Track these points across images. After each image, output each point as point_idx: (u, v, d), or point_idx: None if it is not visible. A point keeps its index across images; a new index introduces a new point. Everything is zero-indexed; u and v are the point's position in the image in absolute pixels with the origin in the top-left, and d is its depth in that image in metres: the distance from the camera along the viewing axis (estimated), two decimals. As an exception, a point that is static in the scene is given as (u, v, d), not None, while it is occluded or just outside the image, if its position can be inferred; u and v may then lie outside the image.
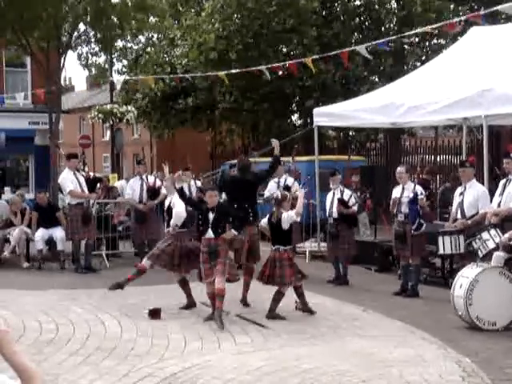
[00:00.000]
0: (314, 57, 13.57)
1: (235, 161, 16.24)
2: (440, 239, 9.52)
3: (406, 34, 13.25)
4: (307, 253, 13.66)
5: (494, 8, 9.74)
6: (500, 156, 11.79)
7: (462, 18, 11.62)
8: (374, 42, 12.62)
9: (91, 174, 13.30)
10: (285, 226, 8.56)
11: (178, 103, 25.79)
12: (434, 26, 12.13)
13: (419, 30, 11.27)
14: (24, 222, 13.29)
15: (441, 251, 9.70)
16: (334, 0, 24.76)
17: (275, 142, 9.72)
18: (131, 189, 13.33)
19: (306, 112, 25.42)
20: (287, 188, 12.38)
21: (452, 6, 24.35)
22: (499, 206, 9.29)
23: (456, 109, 10.61)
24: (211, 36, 23.22)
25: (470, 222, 9.58)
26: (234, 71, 15.54)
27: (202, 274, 8.56)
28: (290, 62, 13.53)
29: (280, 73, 12.68)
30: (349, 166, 15.06)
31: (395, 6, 24.40)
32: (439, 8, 22.96)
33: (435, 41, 24.52)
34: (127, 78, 20.64)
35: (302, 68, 17.10)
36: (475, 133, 13.88)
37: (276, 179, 12.58)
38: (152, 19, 23.58)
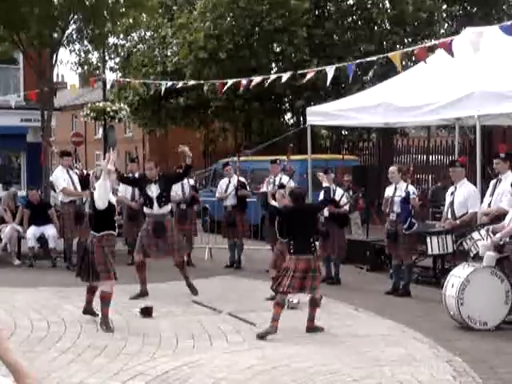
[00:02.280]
0: (281, 74, 13.47)
1: (227, 159, 16.29)
2: (428, 239, 9.57)
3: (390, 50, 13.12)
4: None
5: (449, 39, 9.75)
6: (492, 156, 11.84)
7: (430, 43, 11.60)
8: (341, 64, 12.55)
9: (85, 171, 13.23)
10: None
11: (169, 102, 25.76)
12: (410, 49, 11.98)
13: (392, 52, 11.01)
14: (16, 219, 13.26)
15: (429, 251, 9.75)
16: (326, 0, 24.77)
17: (184, 148, 9.77)
18: (124, 186, 13.29)
19: (297, 111, 25.46)
20: (282, 186, 12.38)
21: (444, 7, 24.43)
22: (489, 206, 9.34)
23: (448, 109, 10.62)
24: (200, 35, 23.20)
25: (458, 221, 9.62)
26: (213, 81, 15.49)
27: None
28: (262, 77, 13.49)
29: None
30: (341, 166, 15.08)
31: (387, 5, 24.41)
32: (430, 8, 22.99)
33: (427, 41, 24.57)
34: (115, 79, 20.55)
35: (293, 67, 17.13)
36: (468, 133, 13.92)
37: (272, 177, 12.59)
38: (143, 17, 23.54)
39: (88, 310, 8.32)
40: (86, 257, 8.04)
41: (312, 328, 7.82)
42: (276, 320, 7.55)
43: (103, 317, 7.90)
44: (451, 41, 9.75)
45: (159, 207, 9.77)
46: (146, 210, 10.06)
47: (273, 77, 13.27)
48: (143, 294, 9.67)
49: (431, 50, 10.82)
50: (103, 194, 7.86)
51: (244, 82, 13.10)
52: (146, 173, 10.36)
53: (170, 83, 14.79)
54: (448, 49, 9.62)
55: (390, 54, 10.82)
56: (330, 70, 11.51)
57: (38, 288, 10.40)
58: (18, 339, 7.25)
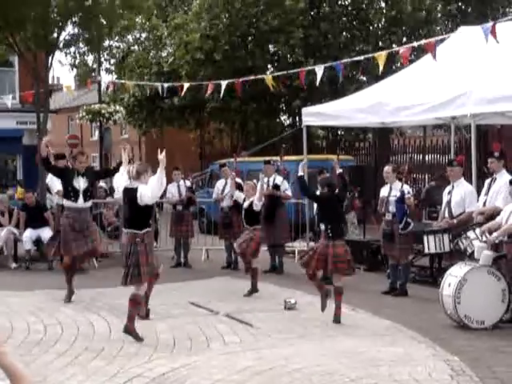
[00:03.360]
0: (274, 74, 13.47)
1: (224, 160, 16.29)
2: (425, 238, 9.57)
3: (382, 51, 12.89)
4: (296, 252, 13.67)
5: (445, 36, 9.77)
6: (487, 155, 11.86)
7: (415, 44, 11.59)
8: (330, 64, 12.55)
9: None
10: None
11: (164, 102, 25.76)
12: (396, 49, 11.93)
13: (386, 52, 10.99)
14: (12, 222, 13.23)
15: (426, 250, 9.76)
16: (321, 0, 24.78)
17: (125, 146, 9.00)
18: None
19: (293, 111, 25.46)
20: (276, 187, 12.41)
21: (440, 6, 24.44)
22: (485, 205, 9.34)
23: (443, 108, 10.64)
24: (196, 36, 23.21)
25: (455, 221, 9.63)
26: (196, 83, 15.52)
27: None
28: (253, 77, 13.48)
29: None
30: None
31: (384, 5, 24.44)
32: (429, 7, 23.02)
33: (423, 40, 24.59)
34: (110, 81, 20.55)
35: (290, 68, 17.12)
36: (463, 132, 13.93)
37: (266, 178, 12.61)
38: (139, 19, 23.55)
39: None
40: (132, 258, 7.44)
41: (339, 315, 8.19)
42: (321, 287, 8.57)
43: (130, 323, 7.42)
44: (436, 42, 9.78)
45: (84, 201, 9.48)
46: (66, 202, 9.60)
47: (266, 76, 13.25)
48: (70, 295, 9.47)
49: (417, 50, 10.80)
50: (158, 189, 7.39)
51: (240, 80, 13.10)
52: (74, 164, 9.89)
53: (166, 85, 14.77)
54: (432, 50, 9.64)
55: (376, 54, 10.83)
56: (319, 70, 11.51)
57: (34, 291, 10.38)
58: (15, 342, 7.23)
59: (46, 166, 9.90)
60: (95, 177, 9.88)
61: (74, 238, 9.42)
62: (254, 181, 11.20)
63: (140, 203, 7.41)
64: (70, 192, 9.55)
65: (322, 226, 8.46)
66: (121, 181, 7.96)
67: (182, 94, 14.33)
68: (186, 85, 14.19)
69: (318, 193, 8.95)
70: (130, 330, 7.38)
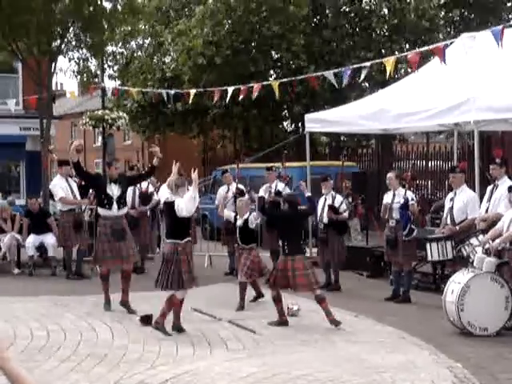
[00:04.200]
0: (282, 81, 13.44)
1: (227, 167, 16.30)
2: (428, 246, 9.57)
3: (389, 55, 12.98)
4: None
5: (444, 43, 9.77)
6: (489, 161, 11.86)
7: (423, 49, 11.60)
8: (339, 69, 12.55)
9: (83, 179, 13.24)
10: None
11: (167, 108, 25.79)
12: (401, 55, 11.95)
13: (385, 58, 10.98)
14: (15, 228, 13.24)
15: (429, 258, 9.75)
16: (324, 6, 24.81)
17: (154, 149, 9.48)
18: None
19: (295, 118, 25.47)
20: (278, 193, 12.41)
21: (443, 13, 24.47)
22: (487, 211, 9.34)
23: (446, 114, 10.64)
24: (199, 41, 23.25)
25: (457, 228, 9.62)
26: (202, 90, 15.49)
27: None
28: (257, 84, 13.45)
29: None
30: (341, 172, 15.08)
31: (386, 13, 24.45)
32: (432, 16, 23.02)
33: (432, 45, 24.61)
34: (114, 87, 20.59)
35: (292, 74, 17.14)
36: (466, 139, 13.93)
37: (267, 185, 12.62)
38: (142, 24, 23.58)
39: (177, 326, 8.16)
40: (170, 265, 7.97)
41: (334, 320, 8.26)
42: (282, 314, 8.43)
43: (161, 319, 8.00)
44: (444, 46, 9.77)
45: (118, 208, 9.31)
46: (101, 210, 9.50)
47: (273, 82, 13.24)
48: (109, 302, 9.38)
49: (425, 55, 10.80)
50: (192, 204, 7.93)
51: (242, 87, 13.11)
52: (108, 171, 9.73)
53: (172, 92, 14.78)
54: (441, 54, 9.64)
55: (384, 60, 10.83)
56: (329, 75, 11.50)
57: (37, 297, 10.38)
58: (18, 348, 7.23)
59: (78, 171, 9.70)
60: (128, 183, 9.66)
61: (109, 249, 9.28)
62: (247, 196, 11.00)
63: (178, 215, 7.94)
64: (103, 200, 9.38)
65: (280, 243, 8.67)
66: (164, 193, 8.45)
67: (190, 101, 14.33)
68: (193, 91, 14.21)
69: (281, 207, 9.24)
70: (159, 324, 7.95)
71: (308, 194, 9.20)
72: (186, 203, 7.84)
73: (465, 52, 9.16)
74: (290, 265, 8.34)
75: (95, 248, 9.62)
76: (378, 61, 11.54)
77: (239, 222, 9.85)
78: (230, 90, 13.05)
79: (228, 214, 11.02)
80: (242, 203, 10.06)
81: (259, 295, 9.85)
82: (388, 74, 10.40)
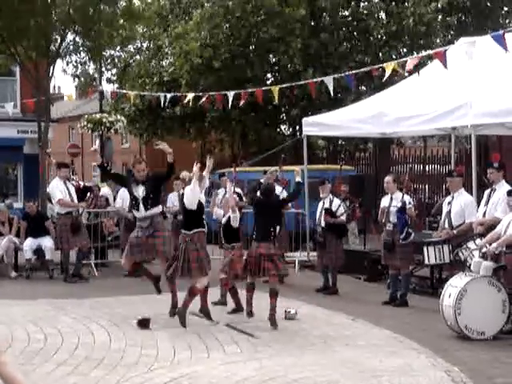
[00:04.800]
0: (281, 86, 13.43)
1: (224, 170, 16.30)
2: (425, 250, 9.58)
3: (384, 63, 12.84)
4: (296, 262, 13.67)
5: (446, 47, 9.79)
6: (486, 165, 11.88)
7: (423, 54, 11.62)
8: (340, 74, 12.58)
9: (81, 183, 13.27)
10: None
11: (165, 112, 25.80)
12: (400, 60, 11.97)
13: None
14: (12, 231, 13.23)
15: (426, 262, 9.76)
16: (321, 10, 24.85)
17: (162, 146, 9.23)
18: (121, 198, 13.35)
19: (292, 121, 25.50)
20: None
21: (439, 18, 24.50)
22: (484, 215, 9.35)
23: (444, 118, 10.67)
24: (195, 44, 23.27)
25: (455, 231, 9.63)
26: (200, 94, 15.43)
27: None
28: (257, 89, 13.44)
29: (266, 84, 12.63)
30: (339, 176, 15.10)
31: (384, 16, 24.49)
32: (429, 21, 23.05)
33: (423, 52, 24.65)
34: (112, 90, 20.61)
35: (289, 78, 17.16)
36: (463, 143, 13.96)
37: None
38: (140, 28, 23.61)
39: (204, 310, 8.81)
40: (181, 255, 8.61)
41: (274, 319, 8.44)
42: (250, 304, 8.80)
43: (183, 307, 8.43)
44: (445, 51, 9.79)
45: (145, 210, 9.12)
46: (134, 213, 9.45)
47: (273, 88, 13.25)
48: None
49: (427, 59, 10.81)
50: (192, 196, 8.61)
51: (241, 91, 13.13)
52: (134, 174, 9.50)
53: (169, 95, 14.80)
54: (442, 59, 9.67)
55: (385, 65, 10.85)
56: (329, 81, 11.50)
57: (34, 300, 10.37)
58: (15, 351, 7.22)
59: (104, 172, 9.91)
60: (156, 183, 9.34)
61: (137, 249, 9.12)
62: (235, 195, 10.89)
63: (186, 208, 8.72)
64: (132, 201, 9.54)
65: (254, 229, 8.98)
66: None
67: (186, 102, 14.35)
68: (191, 95, 14.22)
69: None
70: (181, 314, 8.42)
71: (298, 179, 9.33)
72: (187, 196, 8.51)
73: (468, 58, 9.16)
74: (257, 251, 8.63)
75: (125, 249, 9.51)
76: (378, 66, 11.53)
77: (223, 220, 9.95)
78: (231, 94, 13.03)
79: (219, 212, 10.92)
80: (225, 201, 10.16)
81: (238, 308, 9.43)
82: (386, 77, 10.41)
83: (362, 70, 12.22)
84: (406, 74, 11.83)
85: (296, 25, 23.31)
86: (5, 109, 17.24)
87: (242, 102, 13.50)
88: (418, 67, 10.46)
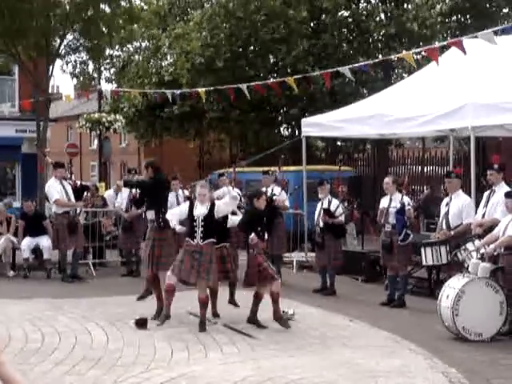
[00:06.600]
0: (296, 77, 13.42)
1: (223, 170, 16.29)
2: (422, 250, 9.58)
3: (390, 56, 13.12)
4: (294, 263, 13.67)
5: (474, 34, 9.78)
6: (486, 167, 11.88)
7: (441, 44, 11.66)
8: (357, 64, 12.57)
9: (78, 182, 13.24)
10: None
11: (163, 111, 25.79)
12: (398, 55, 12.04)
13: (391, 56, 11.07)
14: (10, 230, 13.22)
15: (423, 262, 9.77)
16: (322, 11, 24.86)
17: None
18: (120, 197, 13.39)
19: (291, 121, 25.49)
20: (271, 199, 12.37)
21: (440, 19, 24.50)
22: (483, 217, 9.35)
23: (442, 120, 10.67)
24: (195, 44, 23.26)
25: (452, 232, 9.64)
26: (211, 88, 15.35)
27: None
28: (273, 81, 13.42)
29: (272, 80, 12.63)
30: (337, 176, 15.09)
31: (383, 17, 24.48)
32: (431, 23, 23.03)
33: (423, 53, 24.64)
34: (112, 89, 20.60)
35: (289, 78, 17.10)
36: (462, 144, 13.96)
37: (264, 189, 12.61)
38: (139, 28, 23.60)
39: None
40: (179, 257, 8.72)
41: (209, 314, 8.71)
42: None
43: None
44: (437, 47, 9.86)
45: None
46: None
47: (289, 79, 13.17)
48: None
49: (442, 50, 10.85)
50: (177, 211, 9.12)
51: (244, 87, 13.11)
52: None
53: (178, 92, 14.75)
54: (435, 56, 9.73)
55: (401, 55, 10.87)
56: (345, 71, 11.35)
57: (32, 299, 10.36)
58: (13, 351, 7.21)
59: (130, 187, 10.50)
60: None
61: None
62: (243, 200, 10.90)
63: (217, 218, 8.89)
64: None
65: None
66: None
67: (196, 98, 14.29)
68: (201, 90, 14.16)
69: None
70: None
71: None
72: (223, 210, 8.80)
73: (491, 43, 9.14)
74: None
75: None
76: (399, 55, 11.51)
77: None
78: (244, 87, 12.98)
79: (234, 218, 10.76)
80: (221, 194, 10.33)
81: (214, 313, 9.22)
82: (413, 64, 10.50)
83: (376, 60, 12.17)
84: (404, 76, 11.90)
85: (298, 26, 23.31)
86: (2, 108, 17.24)
87: (257, 96, 13.45)
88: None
